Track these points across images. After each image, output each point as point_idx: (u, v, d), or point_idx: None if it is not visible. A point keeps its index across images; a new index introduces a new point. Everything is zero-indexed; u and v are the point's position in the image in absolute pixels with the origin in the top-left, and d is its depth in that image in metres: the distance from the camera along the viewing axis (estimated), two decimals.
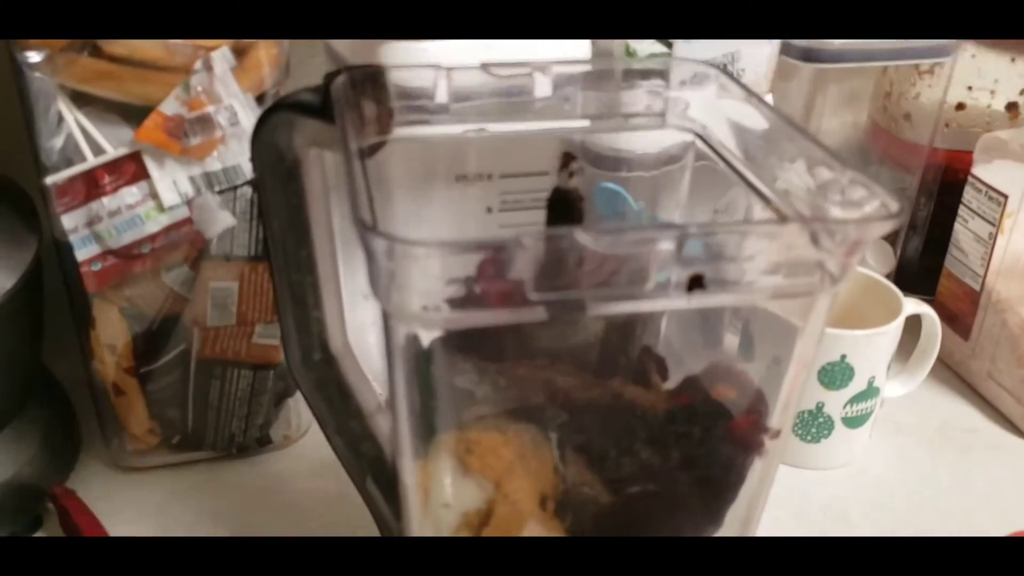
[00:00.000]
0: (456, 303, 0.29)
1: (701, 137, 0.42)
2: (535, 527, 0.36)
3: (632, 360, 0.42)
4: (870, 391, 0.57)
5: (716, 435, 0.38)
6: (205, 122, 0.48)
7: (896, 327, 0.56)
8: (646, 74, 0.42)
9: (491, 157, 0.46)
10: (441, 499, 0.36)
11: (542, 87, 0.41)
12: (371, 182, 0.32)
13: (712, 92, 0.41)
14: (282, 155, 0.39)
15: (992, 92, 0.70)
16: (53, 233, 0.50)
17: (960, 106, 0.70)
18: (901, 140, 0.72)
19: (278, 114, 0.38)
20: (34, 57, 0.46)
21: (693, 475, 0.38)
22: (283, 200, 0.40)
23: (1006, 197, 0.62)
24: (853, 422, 0.58)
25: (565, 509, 0.37)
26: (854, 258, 0.31)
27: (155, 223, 0.49)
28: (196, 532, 0.53)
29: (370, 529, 0.43)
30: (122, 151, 0.48)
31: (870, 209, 0.32)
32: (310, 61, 0.52)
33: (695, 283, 0.30)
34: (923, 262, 0.73)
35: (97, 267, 0.50)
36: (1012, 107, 0.69)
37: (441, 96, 0.40)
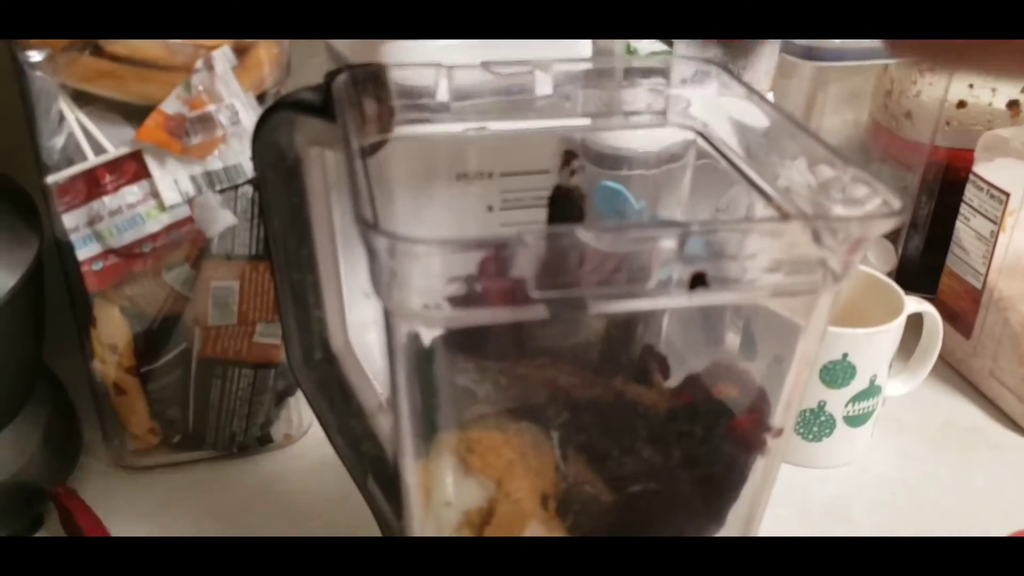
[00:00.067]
0: (457, 301, 0.29)
1: (702, 135, 0.42)
2: (537, 526, 0.36)
3: (634, 358, 0.42)
4: (872, 390, 0.57)
5: (718, 434, 0.38)
6: (206, 121, 0.48)
7: (898, 325, 0.56)
8: (647, 72, 0.42)
9: (492, 155, 0.46)
10: (442, 498, 0.36)
11: (543, 85, 0.41)
12: (372, 181, 0.32)
13: (713, 90, 0.41)
14: (283, 154, 0.39)
15: (993, 90, 0.69)
16: (54, 232, 0.50)
17: (961, 104, 0.70)
18: (902, 138, 0.72)
19: (279, 113, 0.38)
20: (35, 56, 0.46)
21: (695, 474, 0.38)
22: (284, 199, 0.40)
23: (1008, 195, 0.62)
24: (855, 421, 0.58)
25: (567, 508, 0.37)
26: (856, 256, 0.31)
27: (156, 222, 0.49)
28: (197, 531, 0.53)
29: (371, 528, 0.43)
30: (123, 150, 0.48)
31: (872, 207, 0.32)
32: (311, 60, 0.52)
33: (697, 281, 0.30)
34: (924, 260, 0.73)
35: (98, 266, 0.50)
36: (1013, 105, 0.69)
37: (442, 95, 0.40)
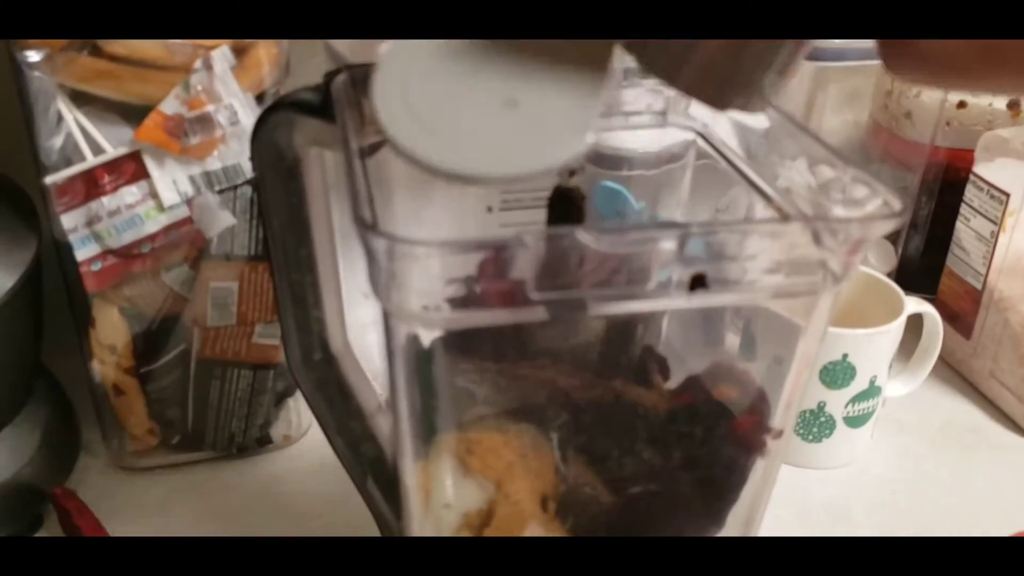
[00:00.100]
0: (457, 303, 0.29)
1: (702, 135, 0.42)
2: (536, 528, 0.36)
3: (633, 360, 0.42)
4: (872, 390, 0.57)
5: (718, 435, 0.38)
6: (205, 121, 0.48)
7: (898, 326, 0.56)
8: None
9: None
10: (442, 500, 0.36)
11: None
12: (371, 181, 0.31)
13: None
14: (282, 154, 0.39)
15: None
16: (53, 233, 0.50)
17: (961, 104, 0.70)
18: (902, 138, 0.72)
19: (278, 113, 0.38)
20: (34, 56, 0.46)
21: (695, 475, 0.38)
22: (283, 199, 0.40)
23: (1008, 195, 0.62)
24: (855, 421, 0.58)
25: (566, 509, 0.37)
26: (857, 257, 0.31)
27: (155, 223, 0.49)
28: (196, 532, 0.53)
29: (370, 529, 0.43)
30: (122, 150, 0.48)
31: (872, 208, 0.32)
32: (310, 60, 0.52)
33: (697, 282, 0.30)
34: (924, 261, 0.73)
35: (97, 267, 0.50)
36: (1013, 105, 0.69)
37: None
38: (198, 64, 0.47)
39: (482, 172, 0.30)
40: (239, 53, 0.49)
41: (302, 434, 0.60)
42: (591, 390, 0.39)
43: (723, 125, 0.41)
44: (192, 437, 0.56)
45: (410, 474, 0.36)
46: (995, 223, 0.63)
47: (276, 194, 0.40)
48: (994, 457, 0.61)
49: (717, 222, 0.41)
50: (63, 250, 0.50)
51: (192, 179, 0.49)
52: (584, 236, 0.28)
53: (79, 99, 0.48)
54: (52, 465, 0.54)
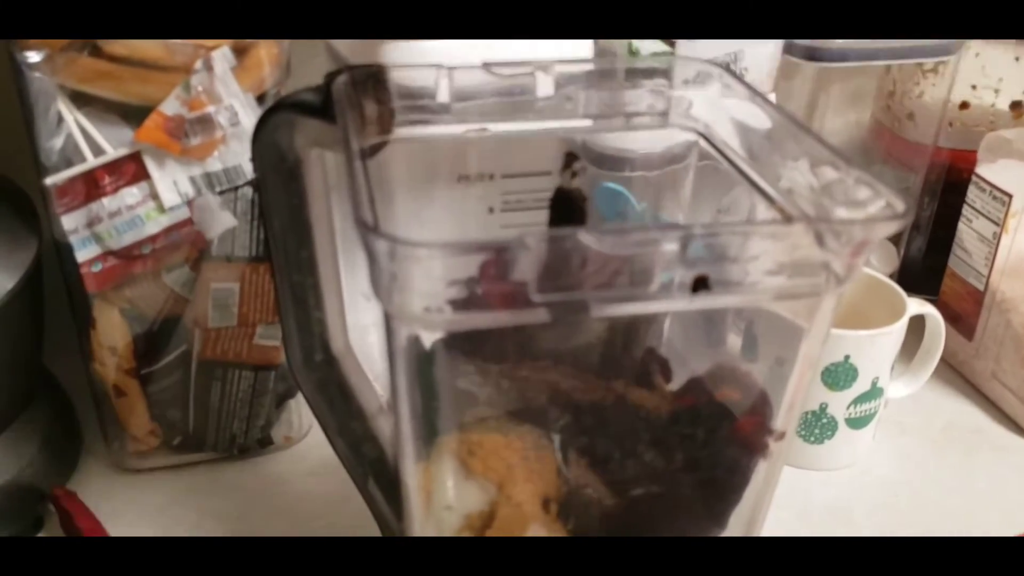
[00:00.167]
0: (458, 304, 0.29)
1: (704, 136, 0.42)
2: (538, 529, 0.36)
3: (635, 361, 0.42)
4: (874, 392, 0.57)
5: (720, 437, 0.38)
6: (205, 122, 0.48)
7: (900, 327, 0.56)
8: (649, 73, 0.42)
9: (493, 157, 0.45)
10: (443, 501, 0.36)
11: (544, 86, 0.41)
12: (372, 182, 0.31)
13: (715, 91, 0.41)
14: (283, 155, 0.39)
15: (996, 91, 0.69)
16: (53, 234, 0.50)
17: (964, 105, 0.70)
18: (904, 139, 0.72)
19: (279, 114, 0.38)
20: (34, 57, 0.46)
21: (697, 477, 0.38)
22: (284, 200, 0.40)
23: (1010, 196, 0.62)
24: (857, 423, 0.58)
25: (568, 511, 0.36)
26: (860, 259, 0.31)
27: (155, 224, 0.49)
28: (197, 533, 0.53)
29: (372, 530, 0.42)
30: (122, 151, 0.48)
31: (875, 209, 0.32)
32: (311, 61, 0.52)
33: (700, 284, 0.30)
34: (926, 262, 0.73)
35: (97, 268, 0.50)
36: (1016, 106, 0.69)
37: (443, 96, 0.40)
38: (199, 65, 0.47)
39: None
40: (240, 54, 0.48)
41: (303, 435, 0.60)
42: (593, 392, 0.39)
43: (725, 126, 0.41)
44: (193, 438, 0.56)
45: (411, 475, 0.36)
46: (997, 224, 0.63)
47: (277, 195, 0.40)
48: (996, 458, 0.61)
49: (720, 224, 0.41)
50: (64, 251, 0.49)
51: (193, 180, 0.49)
52: (586, 237, 0.28)
53: (79, 100, 0.48)
54: (53, 466, 0.54)
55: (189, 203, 0.49)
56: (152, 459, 0.56)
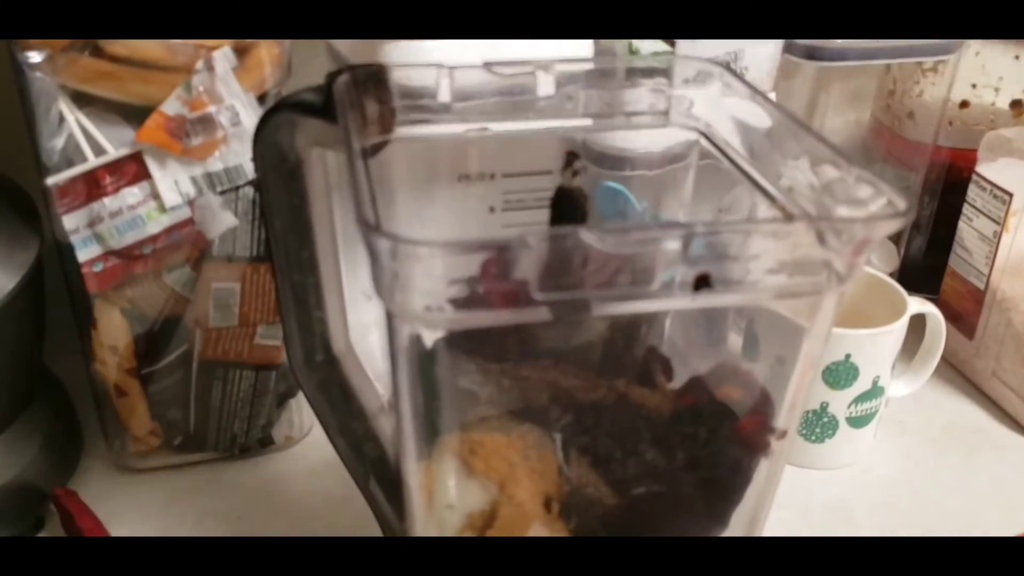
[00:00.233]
0: (459, 303, 0.29)
1: (705, 135, 0.42)
2: (540, 529, 0.36)
3: (637, 360, 0.42)
4: (875, 391, 0.57)
5: (722, 436, 0.38)
6: (207, 122, 0.48)
7: (901, 326, 0.56)
8: (649, 72, 0.42)
9: (494, 156, 0.45)
10: (445, 501, 0.36)
11: (545, 86, 0.41)
12: (374, 182, 0.31)
13: (716, 90, 0.41)
14: (284, 155, 0.39)
15: (996, 89, 0.69)
16: (54, 234, 0.50)
17: (964, 104, 0.70)
18: (904, 138, 0.72)
19: (280, 114, 0.38)
20: (35, 57, 0.46)
21: (698, 476, 0.38)
22: (285, 200, 0.40)
23: (1011, 195, 0.62)
24: (857, 422, 0.58)
25: (570, 510, 0.36)
26: (861, 258, 0.31)
27: (157, 224, 0.49)
28: (198, 533, 0.53)
29: (373, 530, 0.42)
30: (123, 151, 0.48)
31: (876, 207, 0.32)
32: (312, 61, 0.52)
33: (702, 283, 0.30)
34: (927, 261, 0.73)
35: (98, 268, 0.50)
36: (1017, 104, 0.69)
37: (443, 95, 0.40)
38: (200, 65, 0.47)
39: None
40: (241, 54, 0.48)
41: (304, 435, 0.60)
42: (594, 391, 0.39)
43: (725, 125, 0.41)
44: (194, 438, 0.56)
45: (413, 475, 0.36)
46: (998, 223, 0.63)
47: (278, 195, 0.40)
48: (997, 457, 0.61)
49: (721, 222, 0.41)
50: (65, 251, 0.49)
51: (194, 180, 0.49)
52: (588, 236, 0.28)
53: (80, 100, 0.48)
54: (54, 466, 0.54)
55: (190, 203, 0.49)
56: (153, 459, 0.56)
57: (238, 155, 0.49)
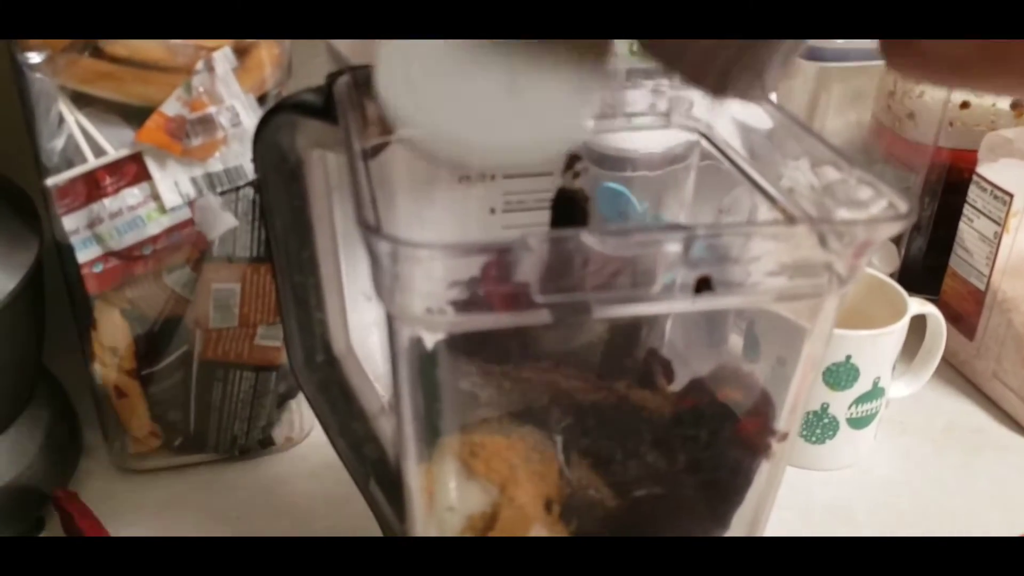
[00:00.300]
0: (460, 305, 0.29)
1: (706, 136, 0.42)
2: (540, 531, 0.36)
3: (637, 362, 0.42)
4: (875, 391, 0.57)
5: (723, 438, 0.38)
6: (207, 123, 0.48)
7: (901, 327, 0.56)
8: (650, 73, 0.42)
9: None
10: (445, 502, 0.36)
11: None
12: (374, 183, 0.31)
13: None
14: (285, 156, 0.39)
15: None
16: (54, 235, 0.50)
17: (964, 104, 0.70)
18: (905, 139, 0.72)
19: (280, 115, 0.38)
20: (35, 58, 0.46)
21: (699, 478, 0.38)
22: (286, 201, 0.40)
23: (1011, 196, 0.62)
24: (858, 423, 0.58)
25: (570, 512, 0.36)
26: (862, 259, 0.31)
27: (157, 224, 0.49)
28: (198, 534, 0.53)
29: (373, 532, 0.42)
30: (123, 152, 0.48)
31: (877, 209, 0.32)
32: (312, 61, 0.52)
33: (703, 285, 0.30)
34: (927, 262, 0.73)
35: (98, 269, 0.50)
36: (1017, 105, 0.69)
37: None
38: (200, 65, 0.47)
39: (481, 155, 0.30)
40: (241, 54, 0.48)
41: (304, 436, 0.60)
42: (595, 393, 0.39)
43: (726, 126, 0.41)
44: (194, 439, 0.56)
45: (413, 476, 0.35)
46: (998, 224, 0.63)
47: (278, 196, 0.40)
48: (997, 458, 0.61)
49: (723, 225, 0.41)
50: (64, 252, 0.49)
51: (194, 181, 0.49)
52: (589, 238, 0.28)
53: (80, 101, 0.48)
54: (54, 467, 0.54)
55: (190, 204, 0.49)
56: (153, 460, 0.56)
57: (238, 156, 0.49)
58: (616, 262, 0.29)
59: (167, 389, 0.54)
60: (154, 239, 0.49)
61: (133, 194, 0.49)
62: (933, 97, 0.69)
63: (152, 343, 0.53)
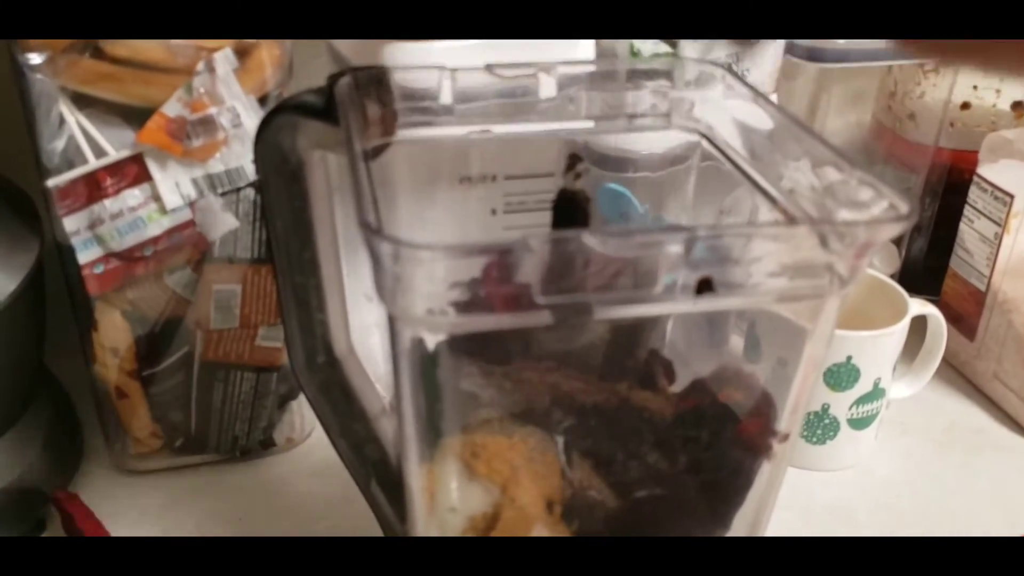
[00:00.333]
0: (461, 306, 0.29)
1: (707, 137, 0.42)
2: (542, 531, 0.36)
3: (639, 363, 0.42)
4: (876, 392, 0.57)
5: (724, 439, 0.38)
6: (207, 124, 0.48)
7: (902, 328, 0.56)
8: (651, 74, 0.42)
9: (495, 158, 0.45)
10: (447, 503, 0.36)
11: (547, 88, 0.40)
12: (375, 184, 0.31)
13: (718, 92, 0.41)
14: (286, 157, 0.39)
15: (997, 91, 0.69)
16: (55, 236, 0.50)
17: (965, 105, 0.70)
18: (906, 140, 0.72)
19: (282, 116, 0.38)
20: (36, 59, 0.46)
21: (700, 479, 0.38)
22: (287, 202, 0.40)
23: (1012, 197, 0.62)
24: (859, 423, 0.58)
25: (572, 513, 0.36)
26: (863, 260, 0.31)
27: (157, 225, 0.49)
28: (199, 535, 0.53)
29: (374, 532, 0.42)
30: (124, 153, 0.48)
31: (878, 210, 0.32)
32: (313, 62, 0.52)
33: (704, 286, 0.30)
34: (928, 262, 0.73)
35: (99, 270, 0.50)
36: (1018, 106, 0.69)
37: (445, 97, 0.40)
38: (200, 66, 0.47)
39: None
40: (242, 55, 0.48)
41: (305, 437, 0.60)
42: (596, 394, 0.39)
43: (727, 126, 0.41)
44: (195, 440, 0.56)
45: (415, 477, 0.35)
46: (999, 224, 0.63)
47: (279, 197, 0.40)
48: (998, 459, 0.61)
49: (724, 226, 0.41)
50: (65, 253, 0.49)
51: (195, 182, 0.49)
52: (590, 239, 0.28)
53: (81, 102, 0.48)
54: (55, 468, 0.54)
55: (191, 205, 0.49)
56: (154, 461, 0.56)
57: (239, 157, 0.49)
58: (617, 263, 0.29)
59: (168, 390, 0.54)
60: (155, 240, 0.49)
61: (134, 195, 0.49)
62: (934, 98, 0.69)
63: (153, 344, 0.53)
